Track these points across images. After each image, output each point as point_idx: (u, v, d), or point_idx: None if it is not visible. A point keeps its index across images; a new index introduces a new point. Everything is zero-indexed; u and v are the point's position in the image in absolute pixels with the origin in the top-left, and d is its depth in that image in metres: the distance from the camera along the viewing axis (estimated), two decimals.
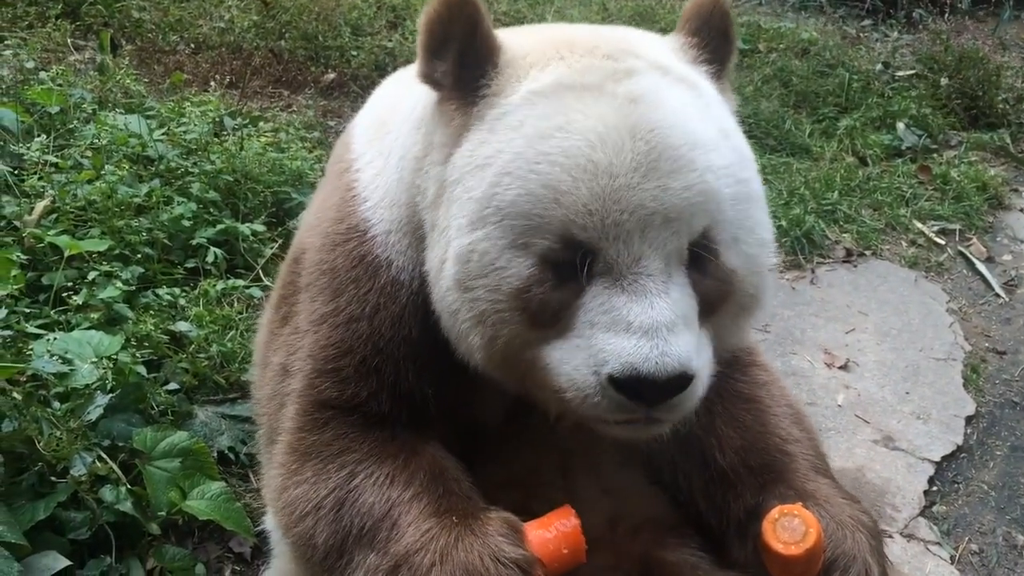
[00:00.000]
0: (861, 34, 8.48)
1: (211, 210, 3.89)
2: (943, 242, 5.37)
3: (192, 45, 6.33)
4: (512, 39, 1.73)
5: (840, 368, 4.17)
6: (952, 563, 3.20)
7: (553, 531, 1.60)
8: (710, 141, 1.58)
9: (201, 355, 3.19)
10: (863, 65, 7.48)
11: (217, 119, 4.56)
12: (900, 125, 6.43)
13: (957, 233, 5.47)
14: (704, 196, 1.53)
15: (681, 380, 1.48)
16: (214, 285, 3.56)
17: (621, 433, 1.65)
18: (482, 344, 1.61)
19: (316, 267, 1.95)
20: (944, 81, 6.96)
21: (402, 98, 1.97)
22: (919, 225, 5.46)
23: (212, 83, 5.32)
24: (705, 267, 1.58)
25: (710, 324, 1.63)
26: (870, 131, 6.41)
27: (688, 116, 1.58)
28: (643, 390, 1.47)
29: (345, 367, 1.84)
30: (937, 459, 3.69)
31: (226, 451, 2.99)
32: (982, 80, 6.92)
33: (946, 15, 8.09)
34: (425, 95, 1.77)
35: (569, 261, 1.51)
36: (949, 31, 7.71)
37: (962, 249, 5.34)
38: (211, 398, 3.14)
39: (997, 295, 4.95)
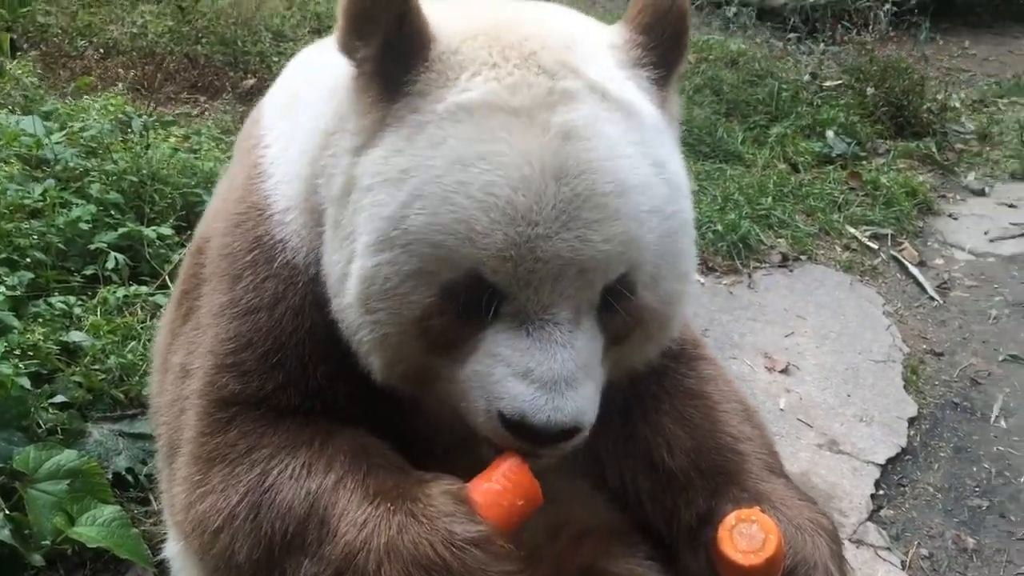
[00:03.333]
0: (788, 47, 8.55)
1: (113, 213, 3.62)
2: (876, 247, 5.35)
3: (101, 50, 6.02)
4: (444, 22, 1.56)
5: (781, 372, 4.06)
6: (903, 569, 3.09)
7: (500, 481, 1.48)
8: (641, 182, 1.48)
9: (97, 368, 2.91)
10: (791, 76, 7.52)
11: (123, 118, 4.25)
12: (829, 133, 6.44)
13: (889, 238, 5.46)
14: (624, 247, 1.45)
15: (570, 433, 1.45)
16: (114, 292, 3.29)
17: None
18: (383, 366, 1.55)
19: (218, 253, 1.79)
20: (870, 91, 7.02)
21: (319, 69, 1.79)
22: (852, 230, 5.43)
23: (119, 84, 5.00)
24: (617, 306, 1.51)
25: (613, 352, 1.58)
26: (800, 139, 6.40)
27: (620, 154, 1.48)
28: (529, 435, 1.44)
29: (247, 360, 1.67)
30: (882, 462, 3.60)
31: (123, 472, 2.70)
32: (907, 90, 6.99)
33: (871, 28, 8.20)
34: (343, 65, 1.59)
35: (474, 299, 1.44)
36: (873, 42, 7.81)
37: (895, 253, 5.33)
38: (108, 415, 2.85)
39: (931, 298, 4.93)
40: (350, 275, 1.50)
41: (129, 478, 2.71)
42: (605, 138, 1.48)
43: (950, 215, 5.96)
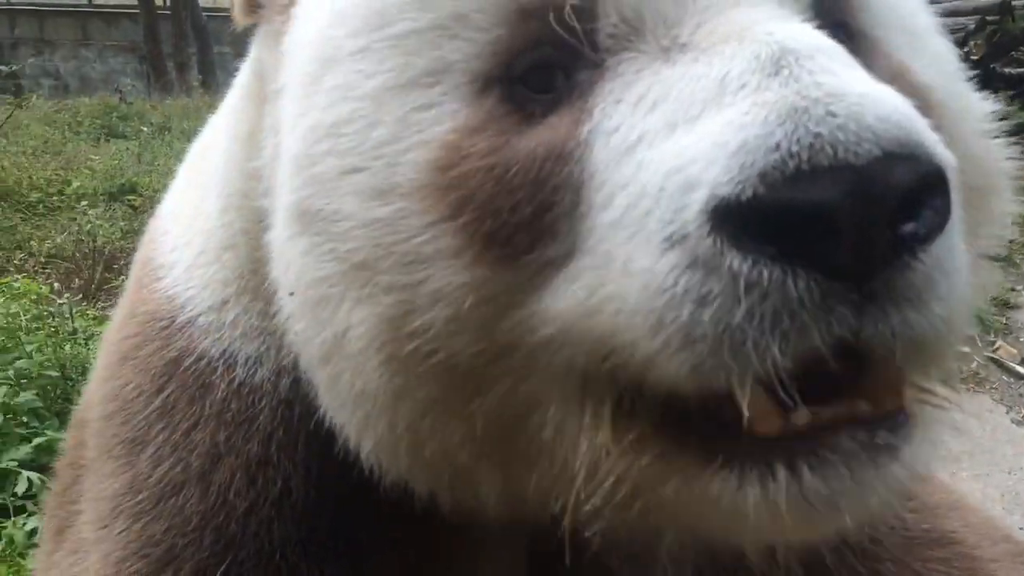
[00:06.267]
0: None
1: (24, 420, 2.75)
2: (967, 349, 4.51)
3: (43, 259, 5.35)
4: None
5: None
6: None
7: None
8: None
9: None
10: None
11: (46, 312, 3.45)
12: None
13: (977, 339, 4.64)
14: None
15: (909, 166, 0.60)
16: (23, 525, 2.39)
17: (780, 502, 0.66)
18: (383, 362, 0.77)
19: (101, 421, 1.15)
20: None
21: (213, 130, 1.27)
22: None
23: (56, 284, 4.25)
24: (864, 58, 0.75)
25: None
26: None
27: None
28: (819, 203, 0.59)
29: None
30: None
31: None
32: None
33: None
34: (250, 65, 1.10)
35: (539, 59, 0.74)
36: None
37: (990, 355, 4.51)
38: None
39: None
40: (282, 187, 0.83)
41: None
42: None
43: None
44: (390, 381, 0.77)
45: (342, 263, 0.76)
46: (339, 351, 0.80)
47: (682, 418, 0.69)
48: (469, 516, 0.92)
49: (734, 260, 0.60)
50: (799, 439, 0.65)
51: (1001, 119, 0.92)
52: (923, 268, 0.62)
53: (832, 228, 0.59)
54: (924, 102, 0.76)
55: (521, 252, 0.70)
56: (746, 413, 0.62)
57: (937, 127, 0.70)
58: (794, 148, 0.59)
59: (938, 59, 0.91)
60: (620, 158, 0.67)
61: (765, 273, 0.60)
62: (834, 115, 0.59)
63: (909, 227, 0.61)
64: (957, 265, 0.66)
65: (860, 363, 0.66)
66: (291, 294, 0.83)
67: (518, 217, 0.70)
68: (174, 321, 1.11)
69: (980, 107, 0.95)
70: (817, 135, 0.59)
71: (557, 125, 0.72)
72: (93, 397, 1.24)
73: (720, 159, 0.60)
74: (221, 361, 1.07)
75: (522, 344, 0.72)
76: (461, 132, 0.73)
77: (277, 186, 0.86)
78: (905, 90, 0.70)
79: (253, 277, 1.03)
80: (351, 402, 0.82)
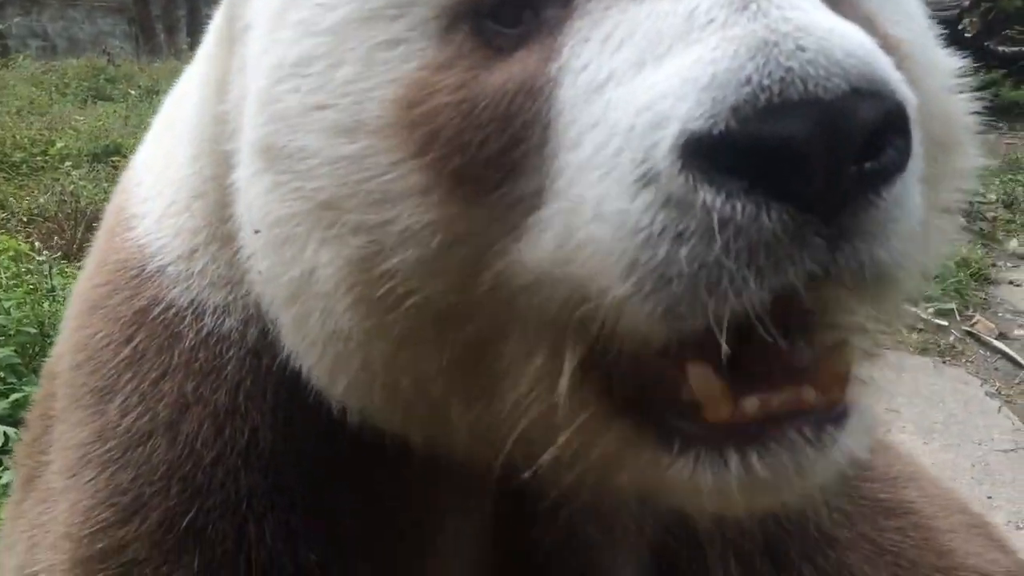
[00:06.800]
0: None
1: (2, 375, 2.81)
2: (945, 323, 4.57)
3: (24, 219, 5.31)
4: None
5: None
6: None
7: None
8: None
9: None
10: None
11: (25, 269, 3.45)
12: None
13: (956, 312, 4.70)
14: None
15: (875, 103, 0.61)
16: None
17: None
18: (353, 303, 0.77)
19: (71, 371, 1.16)
20: None
21: (197, 61, 1.25)
22: (913, 308, 4.66)
23: (36, 243, 4.23)
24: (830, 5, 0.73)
25: None
26: None
27: None
28: (790, 137, 0.59)
29: (132, 538, 1.02)
30: None
31: None
32: None
33: None
34: (222, 9, 1.07)
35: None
36: None
37: (968, 328, 4.56)
38: None
39: None
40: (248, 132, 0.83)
41: None
42: None
43: (1011, 282, 5.27)
44: (362, 322, 0.78)
45: (308, 201, 0.76)
46: (306, 291, 0.80)
47: (641, 400, 0.73)
48: (439, 460, 0.93)
49: (707, 195, 0.61)
50: (749, 428, 0.68)
51: (994, 96, 0.93)
52: (884, 205, 0.64)
53: (800, 163, 0.60)
54: (895, 55, 0.76)
55: (491, 189, 0.71)
56: (725, 350, 0.64)
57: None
58: (765, 82, 0.60)
59: (906, 13, 0.92)
60: (589, 97, 0.68)
61: (739, 206, 0.61)
62: (803, 49, 0.61)
63: (873, 164, 0.62)
64: (914, 204, 0.68)
65: (810, 350, 0.71)
66: (256, 232, 0.83)
67: (486, 153, 0.70)
68: (144, 270, 1.11)
69: (947, 63, 0.95)
70: (788, 69, 0.60)
71: (527, 59, 0.72)
72: (63, 347, 1.25)
73: (690, 94, 0.61)
74: (190, 310, 1.07)
75: (495, 289, 0.73)
76: (430, 69, 0.73)
77: (243, 124, 0.86)
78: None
79: (222, 225, 1.02)
80: (321, 342, 0.83)
